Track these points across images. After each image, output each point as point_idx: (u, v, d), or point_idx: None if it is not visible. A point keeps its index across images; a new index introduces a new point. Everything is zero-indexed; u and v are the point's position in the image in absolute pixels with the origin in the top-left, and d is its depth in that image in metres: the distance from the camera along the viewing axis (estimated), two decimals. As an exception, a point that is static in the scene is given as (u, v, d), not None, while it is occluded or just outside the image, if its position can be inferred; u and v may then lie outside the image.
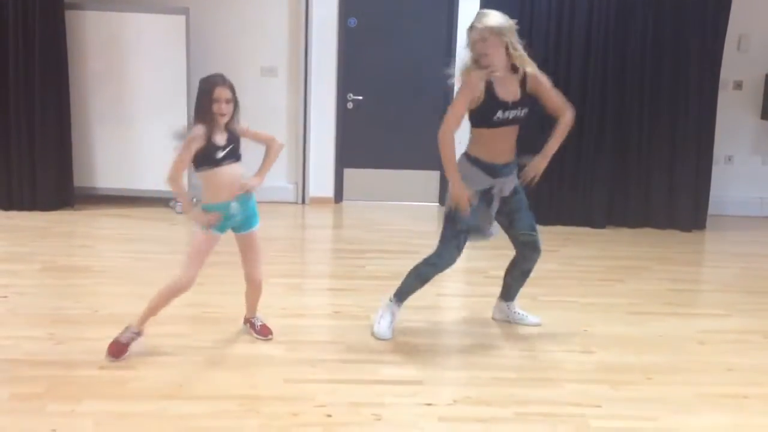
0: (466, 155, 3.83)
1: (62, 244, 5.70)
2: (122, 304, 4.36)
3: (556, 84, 3.95)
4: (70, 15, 6.54)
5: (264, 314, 4.01)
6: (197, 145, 3.48)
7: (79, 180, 6.76)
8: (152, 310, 3.63)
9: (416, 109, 7.43)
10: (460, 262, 5.19)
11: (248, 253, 3.74)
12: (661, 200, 6.83)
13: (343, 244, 6.36)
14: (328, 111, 7.29)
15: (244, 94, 3.77)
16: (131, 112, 6.74)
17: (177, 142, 3.60)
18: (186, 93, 6.66)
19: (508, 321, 4.28)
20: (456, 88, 3.80)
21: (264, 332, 3.92)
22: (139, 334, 3.63)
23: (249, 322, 3.97)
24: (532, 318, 4.29)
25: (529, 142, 3.96)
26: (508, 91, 3.70)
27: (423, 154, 7.46)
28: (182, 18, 6.58)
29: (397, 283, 4.05)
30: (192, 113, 3.74)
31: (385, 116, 7.43)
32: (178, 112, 6.68)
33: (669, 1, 6.55)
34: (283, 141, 6.91)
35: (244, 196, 3.61)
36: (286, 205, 7.23)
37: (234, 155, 3.57)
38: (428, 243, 6.28)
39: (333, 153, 7.38)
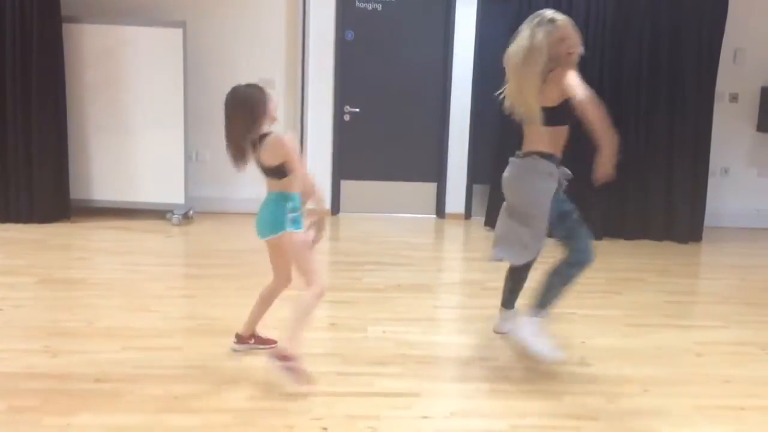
0: (541, 154, 3.73)
1: (59, 257, 5.69)
2: (118, 317, 4.35)
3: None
4: (67, 28, 6.56)
5: (260, 326, 3.99)
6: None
7: (75, 192, 6.76)
8: (300, 328, 3.47)
9: (413, 121, 7.45)
10: (458, 274, 5.17)
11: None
12: (658, 212, 6.85)
13: (340, 256, 6.35)
14: (324, 123, 7.31)
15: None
16: (128, 125, 6.75)
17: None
18: (183, 105, 6.68)
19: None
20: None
21: (270, 341, 3.92)
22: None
23: (254, 336, 3.93)
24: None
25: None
26: None
27: (420, 166, 7.50)
28: (179, 31, 6.60)
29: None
30: (187, 125, 3.70)
31: (381, 128, 7.46)
32: (176, 124, 6.71)
33: (665, 14, 6.59)
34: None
35: None
36: (283, 218, 7.21)
37: None
38: (426, 255, 6.27)
39: (330, 165, 7.39)
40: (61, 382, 3.47)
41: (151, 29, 6.65)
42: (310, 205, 3.54)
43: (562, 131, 3.76)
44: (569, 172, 3.89)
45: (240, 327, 3.92)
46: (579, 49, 3.64)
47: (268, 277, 3.91)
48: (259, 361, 3.78)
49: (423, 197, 7.60)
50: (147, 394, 3.37)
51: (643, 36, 6.62)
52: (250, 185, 7.22)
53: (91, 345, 3.92)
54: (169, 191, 6.81)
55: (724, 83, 7.02)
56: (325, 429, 3.11)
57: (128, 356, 3.78)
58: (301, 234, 3.50)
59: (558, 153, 3.78)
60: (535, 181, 3.77)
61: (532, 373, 3.82)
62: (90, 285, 5.00)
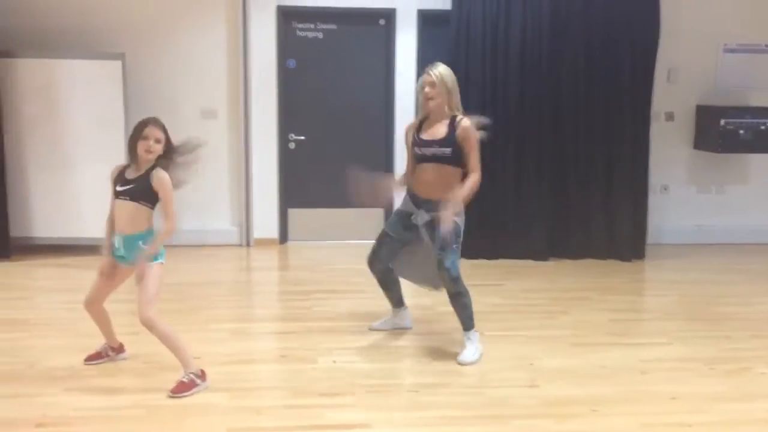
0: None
1: (-2, 297, 5.54)
2: (60, 357, 4.25)
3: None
4: (2, 63, 6.43)
5: (208, 361, 3.94)
6: (112, 177, 3.85)
7: (15, 230, 6.59)
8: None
9: (358, 146, 7.46)
10: (408, 299, 5.16)
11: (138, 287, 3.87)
12: (600, 231, 6.95)
13: (289, 285, 6.31)
14: (269, 152, 7.27)
15: (184, 136, 3.80)
16: (68, 160, 6.62)
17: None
18: (124, 138, 6.57)
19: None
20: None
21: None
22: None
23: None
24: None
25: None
26: (435, 132, 4.28)
27: (366, 191, 7.50)
28: (118, 63, 6.52)
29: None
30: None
31: (327, 155, 7.45)
32: (116, 158, 6.57)
33: (599, 37, 6.74)
34: (224, 184, 6.81)
35: (129, 237, 3.83)
36: (231, 248, 7.15)
37: (131, 195, 3.78)
38: (374, 281, 6.22)
39: (276, 193, 7.35)
40: (2, 427, 3.37)
41: (89, 62, 6.54)
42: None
43: (416, 168, 4.47)
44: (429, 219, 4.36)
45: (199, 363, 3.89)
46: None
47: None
48: (207, 397, 3.73)
49: (371, 223, 7.58)
50: (91, 437, 3.30)
51: (578, 60, 6.75)
52: (195, 216, 7.17)
53: (32, 388, 3.82)
54: (112, 226, 6.68)
55: (659, 103, 7.18)
56: (275, 465, 3.08)
57: (71, 398, 3.69)
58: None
59: (411, 188, 4.53)
60: None
61: (482, 397, 3.83)
62: (31, 325, 4.88)
